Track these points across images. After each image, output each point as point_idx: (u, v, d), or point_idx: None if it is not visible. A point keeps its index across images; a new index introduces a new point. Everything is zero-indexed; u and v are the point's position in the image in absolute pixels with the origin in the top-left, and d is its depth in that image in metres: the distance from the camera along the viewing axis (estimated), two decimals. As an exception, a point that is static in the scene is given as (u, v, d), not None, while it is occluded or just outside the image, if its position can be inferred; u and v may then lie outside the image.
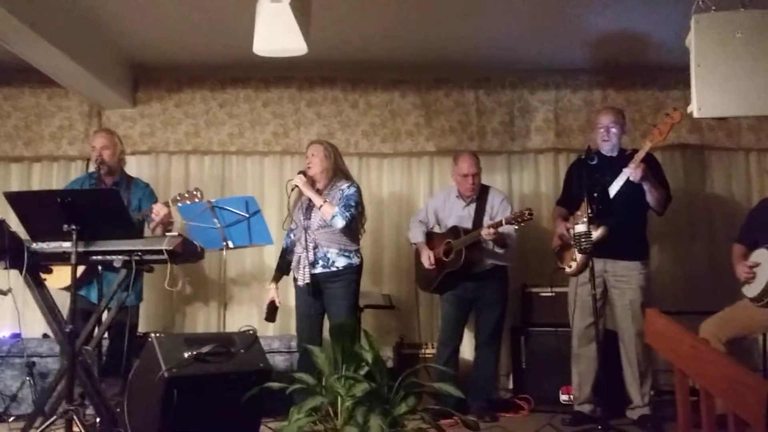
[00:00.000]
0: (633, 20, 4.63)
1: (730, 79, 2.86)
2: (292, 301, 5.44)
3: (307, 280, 4.17)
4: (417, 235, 4.83)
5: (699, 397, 2.00)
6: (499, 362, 4.86)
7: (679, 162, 5.56)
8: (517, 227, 4.37)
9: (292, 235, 4.47)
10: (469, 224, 4.60)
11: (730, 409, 1.78)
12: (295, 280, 4.29)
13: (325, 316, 4.34)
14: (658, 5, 4.35)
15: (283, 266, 4.53)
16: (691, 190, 5.54)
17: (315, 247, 4.20)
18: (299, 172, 4.31)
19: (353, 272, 4.28)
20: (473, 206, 4.69)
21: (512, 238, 4.56)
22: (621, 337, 4.25)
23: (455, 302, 4.66)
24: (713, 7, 2.90)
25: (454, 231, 4.59)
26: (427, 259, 4.66)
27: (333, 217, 4.17)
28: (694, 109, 2.90)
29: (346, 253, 4.26)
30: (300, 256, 4.24)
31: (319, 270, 4.20)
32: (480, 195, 4.71)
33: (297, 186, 4.26)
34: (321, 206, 4.19)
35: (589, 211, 3.90)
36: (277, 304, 4.43)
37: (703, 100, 2.89)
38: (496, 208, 4.62)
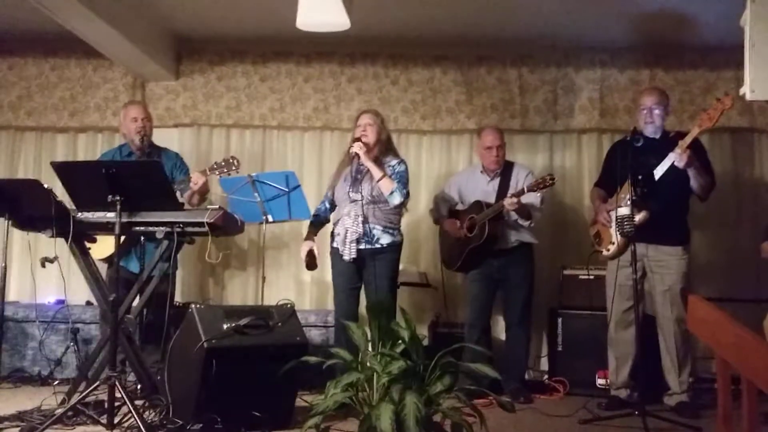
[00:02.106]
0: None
1: (786, 61, 2.76)
2: (328, 277, 5.50)
3: (354, 256, 4.16)
4: (440, 210, 4.80)
5: (740, 386, 1.96)
6: (530, 342, 4.84)
7: (727, 145, 5.41)
8: (540, 195, 4.32)
9: (327, 203, 4.46)
10: (492, 199, 4.55)
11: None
12: (338, 253, 4.25)
13: (362, 291, 4.34)
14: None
15: (317, 224, 4.48)
16: (739, 174, 5.40)
17: (364, 222, 4.17)
18: (356, 140, 4.21)
19: (395, 250, 4.28)
20: (497, 181, 4.65)
21: (537, 209, 4.51)
22: (659, 323, 4.19)
23: (481, 282, 4.62)
24: (771, -15, 2.80)
25: (477, 206, 4.55)
26: (453, 224, 4.61)
27: (392, 192, 4.14)
28: (747, 91, 2.82)
29: (390, 230, 4.25)
30: (347, 230, 4.19)
31: (363, 246, 4.19)
32: (504, 170, 4.66)
33: (357, 154, 4.17)
34: (380, 179, 4.14)
35: (633, 194, 3.83)
36: (316, 253, 4.38)
37: (757, 82, 2.80)
38: (521, 182, 4.55)
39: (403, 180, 4.23)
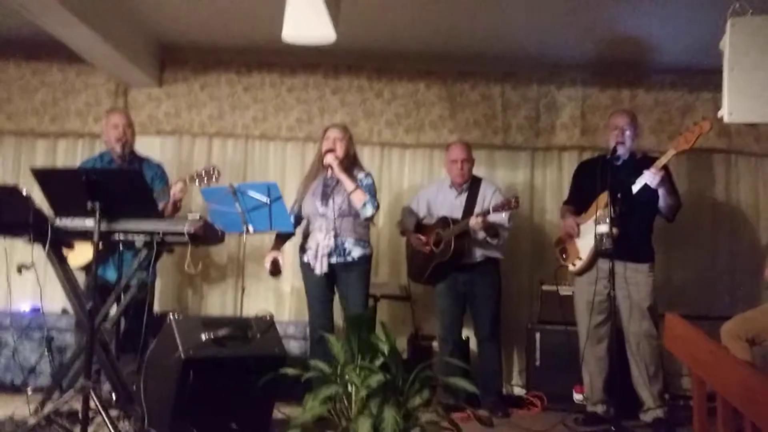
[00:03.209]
0: (665, 20, 4.57)
1: (764, 85, 2.81)
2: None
3: (325, 270, 4.16)
4: (407, 224, 4.82)
5: (716, 403, 1.99)
6: (502, 355, 4.86)
7: (705, 166, 5.49)
8: (509, 215, 4.39)
9: (292, 218, 4.43)
10: (459, 214, 4.59)
11: (748, 416, 1.77)
12: (310, 267, 4.25)
13: (335, 303, 4.34)
14: (691, 6, 4.29)
15: (283, 237, 4.49)
16: (715, 195, 5.48)
17: (336, 236, 4.18)
18: (327, 152, 4.22)
19: (367, 262, 4.28)
20: (464, 196, 4.68)
21: (505, 228, 4.55)
22: (627, 339, 4.23)
23: (449, 296, 4.65)
24: (750, 11, 2.85)
25: (444, 221, 4.58)
26: (418, 239, 4.64)
27: (364, 205, 4.15)
28: (725, 113, 2.86)
29: (361, 243, 4.25)
30: (318, 245, 4.19)
31: (334, 260, 4.18)
32: (472, 186, 4.71)
33: (330, 166, 4.19)
34: (352, 191, 4.15)
35: (612, 211, 3.88)
36: (280, 262, 4.41)
37: (735, 105, 2.85)
38: (488, 199, 4.60)
39: (372, 192, 4.26)
